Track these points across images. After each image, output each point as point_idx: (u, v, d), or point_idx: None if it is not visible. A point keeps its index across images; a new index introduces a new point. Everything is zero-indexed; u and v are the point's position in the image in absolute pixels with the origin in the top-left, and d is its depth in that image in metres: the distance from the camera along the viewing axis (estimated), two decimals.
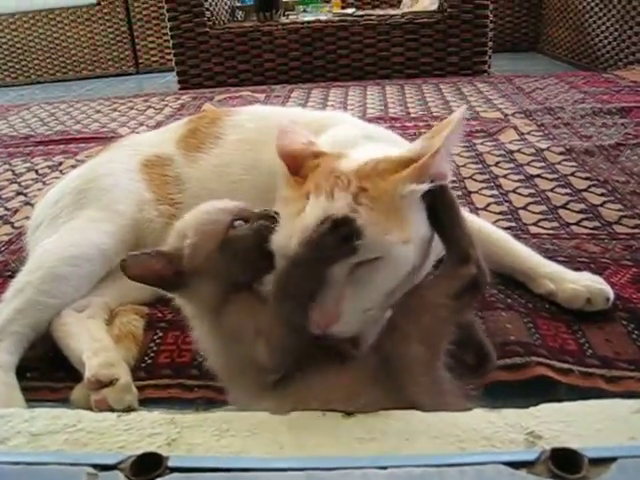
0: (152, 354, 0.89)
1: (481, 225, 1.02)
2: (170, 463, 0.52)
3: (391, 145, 0.85)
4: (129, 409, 0.74)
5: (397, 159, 0.69)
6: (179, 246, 0.69)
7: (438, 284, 0.66)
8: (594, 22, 3.25)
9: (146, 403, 0.79)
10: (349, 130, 0.95)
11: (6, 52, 4.09)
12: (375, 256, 0.62)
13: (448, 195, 0.68)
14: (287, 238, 0.64)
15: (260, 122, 1.07)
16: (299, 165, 0.72)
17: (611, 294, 0.90)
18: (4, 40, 4.06)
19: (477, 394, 0.66)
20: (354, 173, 0.66)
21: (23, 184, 1.71)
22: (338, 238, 0.60)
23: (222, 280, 0.67)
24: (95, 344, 0.83)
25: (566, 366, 0.80)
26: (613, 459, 0.48)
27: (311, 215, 0.63)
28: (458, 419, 0.59)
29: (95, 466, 0.51)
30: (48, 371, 0.87)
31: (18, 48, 4.08)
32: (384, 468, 0.49)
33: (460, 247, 0.66)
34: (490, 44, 2.98)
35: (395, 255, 0.63)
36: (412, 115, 2.19)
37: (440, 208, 0.67)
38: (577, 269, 0.99)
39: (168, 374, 0.85)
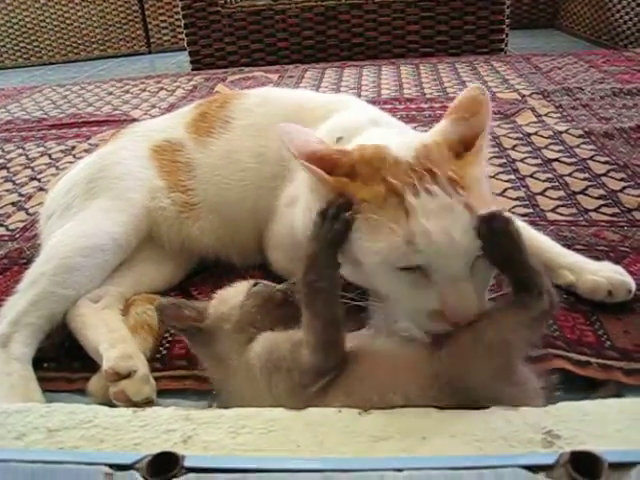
0: (167, 344, 0.89)
1: None
2: (186, 463, 0.52)
3: (396, 129, 0.87)
4: (147, 400, 0.74)
5: (442, 141, 0.69)
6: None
7: (510, 315, 0.62)
8: None
9: (161, 394, 0.79)
10: (354, 115, 0.94)
11: (17, 33, 4.07)
12: None
13: (507, 222, 0.62)
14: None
15: (268, 106, 1.05)
16: (331, 165, 0.67)
17: (633, 285, 0.88)
18: (15, 21, 4.03)
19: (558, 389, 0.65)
20: (424, 161, 0.65)
21: (37, 169, 1.71)
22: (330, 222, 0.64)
23: (243, 327, 0.71)
24: (112, 335, 0.83)
25: (584, 358, 0.79)
26: (634, 464, 0.48)
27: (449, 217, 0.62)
28: (475, 418, 0.58)
29: (112, 466, 0.52)
30: (65, 361, 0.87)
31: (29, 29, 4.06)
32: (400, 470, 0.49)
33: (530, 281, 0.62)
34: (507, 21, 2.92)
35: None
36: (428, 96, 2.16)
37: (499, 239, 0.62)
38: (596, 257, 0.97)
39: (183, 365, 0.84)
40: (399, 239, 0.62)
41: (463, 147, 0.68)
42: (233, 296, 0.75)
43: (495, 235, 0.61)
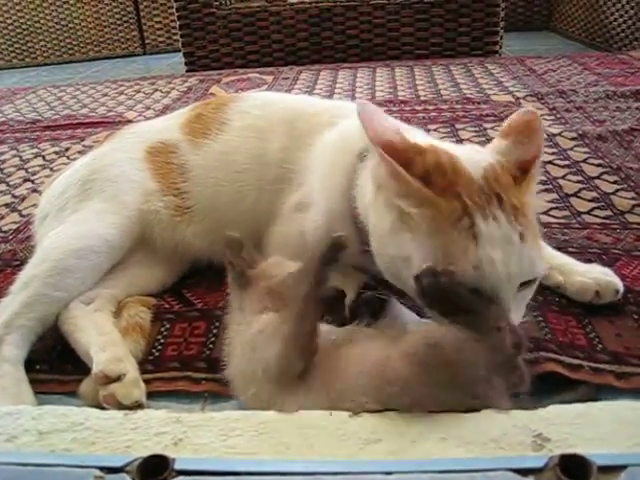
0: (159, 346, 0.89)
1: None
2: (177, 466, 0.52)
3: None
4: (137, 404, 0.74)
5: (505, 163, 0.72)
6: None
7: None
8: (609, 0, 3.18)
9: (153, 396, 0.79)
10: None
11: (12, 33, 4.05)
12: (534, 278, 0.69)
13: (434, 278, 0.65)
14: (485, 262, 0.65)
15: (267, 109, 1.05)
16: (406, 162, 0.68)
17: (620, 286, 0.89)
18: (10, 21, 4.02)
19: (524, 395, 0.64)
20: (492, 183, 0.69)
21: (30, 170, 1.71)
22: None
23: (273, 296, 0.74)
24: (103, 338, 0.83)
25: (576, 362, 0.79)
26: (623, 467, 0.48)
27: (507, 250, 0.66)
28: (466, 420, 0.58)
29: (102, 468, 0.52)
30: (57, 363, 0.87)
31: (24, 29, 4.04)
32: (390, 473, 0.49)
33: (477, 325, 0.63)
34: (502, 24, 2.92)
35: (542, 274, 0.71)
36: (422, 98, 2.17)
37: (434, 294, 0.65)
38: (588, 260, 0.98)
39: (175, 367, 0.84)
40: (468, 264, 0.65)
41: (520, 171, 0.71)
42: (284, 269, 0.77)
43: (429, 291, 0.64)
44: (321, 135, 0.96)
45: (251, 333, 0.70)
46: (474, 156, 0.73)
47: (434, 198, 0.67)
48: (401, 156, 0.68)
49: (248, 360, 0.69)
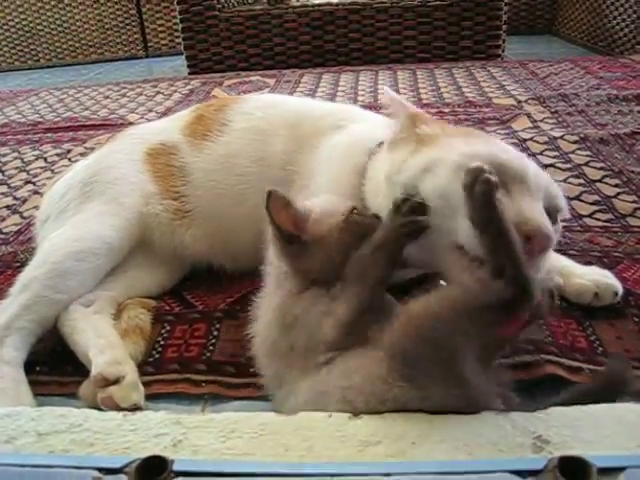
0: (159, 348, 0.89)
1: None
2: (175, 467, 0.52)
3: None
4: (135, 407, 0.74)
5: None
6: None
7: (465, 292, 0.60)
8: (611, 4, 3.18)
9: (153, 398, 0.79)
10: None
11: (15, 35, 4.06)
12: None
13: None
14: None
15: (269, 110, 1.05)
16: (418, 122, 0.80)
17: (619, 288, 0.89)
18: (12, 23, 4.03)
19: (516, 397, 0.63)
20: None
21: (32, 172, 1.71)
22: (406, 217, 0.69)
23: (333, 256, 0.71)
24: (101, 341, 0.83)
25: (576, 364, 0.79)
26: (622, 469, 0.48)
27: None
28: (465, 422, 0.58)
29: (100, 469, 0.52)
30: (57, 365, 0.87)
31: (27, 31, 4.05)
32: (389, 475, 0.49)
33: (499, 253, 0.60)
34: (504, 27, 2.93)
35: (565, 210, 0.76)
36: (424, 101, 2.17)
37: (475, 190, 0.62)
38: (589, 263, 0.98)
39: (175, 369, 0.84)
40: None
41: None
42: (330, 215, 0.74)
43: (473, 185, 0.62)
44: (328, 137, 0.96)
45: (292, 310, 0.69)
46: None
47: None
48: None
49: (281, 335, 0.69)
